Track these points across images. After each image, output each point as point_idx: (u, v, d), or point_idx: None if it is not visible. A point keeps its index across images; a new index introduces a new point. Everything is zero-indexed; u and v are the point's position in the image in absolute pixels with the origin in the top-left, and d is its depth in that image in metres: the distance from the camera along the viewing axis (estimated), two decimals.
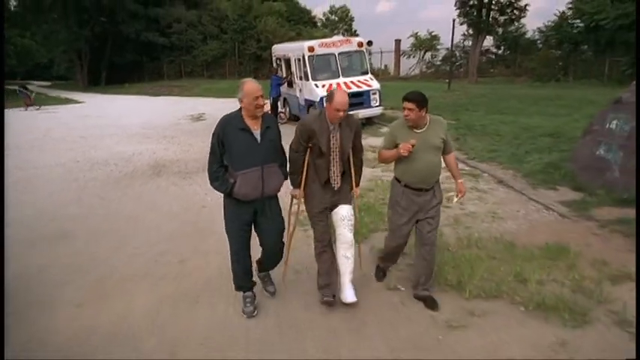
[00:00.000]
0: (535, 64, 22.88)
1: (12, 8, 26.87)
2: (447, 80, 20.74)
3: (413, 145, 3.54)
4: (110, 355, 3.19)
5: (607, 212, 5.68)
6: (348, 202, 3.83)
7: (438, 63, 31.57)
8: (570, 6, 20.72)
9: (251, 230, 3.69)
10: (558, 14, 22.22)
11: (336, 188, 3.74)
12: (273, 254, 3.86)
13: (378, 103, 12.38)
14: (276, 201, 3.72)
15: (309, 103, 12.13)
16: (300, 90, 12.70)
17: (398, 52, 32.91)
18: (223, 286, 4.06)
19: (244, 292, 3.80)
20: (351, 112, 3.70)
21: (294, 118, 13.41)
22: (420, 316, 3.67)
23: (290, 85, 13.48)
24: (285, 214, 3.81)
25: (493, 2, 23.54)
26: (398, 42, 33.07)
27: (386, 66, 34.32)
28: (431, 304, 3.80)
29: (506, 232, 5.20)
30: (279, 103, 14.11)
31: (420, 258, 3.85)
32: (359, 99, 11.97)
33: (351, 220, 3.80)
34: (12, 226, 5.73)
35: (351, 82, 12.10)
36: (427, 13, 77.44)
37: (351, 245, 3.78)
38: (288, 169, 3.76)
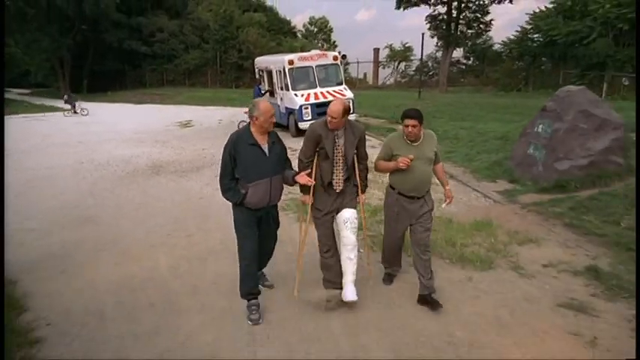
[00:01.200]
0: (499, 74, 24.67)
1: None
2: (420, 89, 22.31)
3: (411, 159, 3.87)
4: (149, 291, 4.42)
5: (529, 198, 7.10)
6: (352, 205, 4.04)
7: (412, 73, 33.27)
8: (530, 22, 22.54)
9: (256, 233, 3.98)
10: (520, 29, 24.05)
11: (338, 191, 3.98)
12: (267, 254, 4.32)
13: (351, 111, 13.74)
14: (276, 208, 4.17)
15: (290, 111, 13.43)
16: (282, 99, 14.00)
17: (377, 61, 34.43)
18: (224, 251, 5.24)
19: (249, 300, 3.96)
20: (350, 119, 4.01)
21: (275, 125, 14.68)
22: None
23: (272, 94, 14.79)
24: (283, 220, 4.44)
25: (461, 17, 25.26)
26: (376, 50, 34.53)
27: (365, 74, 35.85)
28: (435, 306, 4.03)
29: (448, 213, 6.53)
30: None
31: (417, 258, 4.14)
32: None
33: (354, 223, 4.00)
34: (45, 213, 7.01)
35: (327, 92, 13.46)
36: (406, 22, 79.66)
37: (354, 247, 3.98)
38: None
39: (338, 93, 13.59)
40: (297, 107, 12.84)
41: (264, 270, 4.50)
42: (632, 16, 14.73)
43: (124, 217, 6.77)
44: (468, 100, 20.47)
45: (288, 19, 43.68)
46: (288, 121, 13.57)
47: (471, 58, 31.81)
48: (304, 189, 4.00)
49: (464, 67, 32.26)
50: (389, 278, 4.59)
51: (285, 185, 4.06)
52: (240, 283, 3.95)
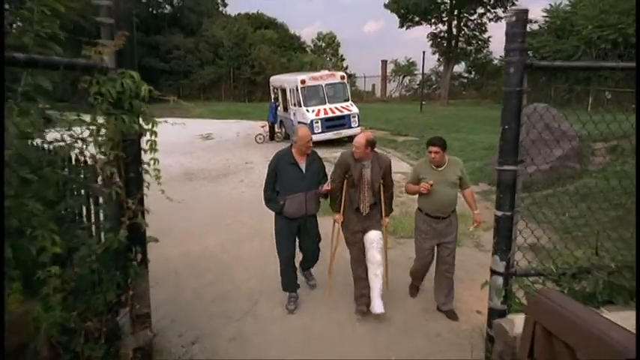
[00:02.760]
0: (496, 88, 26.23)
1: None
2: (421, 103, 23.93)
3: (431, 185, 4.27)
4: (205, 260, 6.04)
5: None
6: (377, 228, 4.47)
7: (416, 87, 34.92)
8: None
9: (296, 242, 4.71)
10: None
11: (364, 214, 4.43)
12: (311, 257, 4.96)
13: (357, 124, 15.39)
14: (315, 218, 4.76)
15: (302, 125, 15.10)
16: (294, 114, 15.68)
17: (385, 72, 35.76)
18: (256, 235, 6.77)
19: (290, 292, 4.73)
20: (377, 151, 4.50)
21: (289, 138, 16.37)
22: None
23: (285, 109, 16.48)
24: (324, 232, 4.94)
25: (460, 35, 26.92)
26: (384, 62, 35.99)
27: (374, 85, 37.32)
28: (452, 316, 4.49)
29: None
30: (275, 126, 17.13)
31: (441, 276, 4.55)
32: (342, 121, 15.03)
33: (380, 243, 4.41)
34: None
35: (335, 107, 15.14)
36: (413, 33, 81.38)
37: (379, 265, 4.40)
38: (332, 195, 4.57)
39: (345, 109, 15.26)
40: (309, 122, 14.50)
41: (312, 270, 5.21)
42: (613, 37, 16.27)
43: (172, 212, 8.39)
44: (465, 113, 22.04)
45: (297, 34, 45.70)
46: None
47: (472, 72, 33.46)
48: (335, 208, 4.55)
49: (465, 80, 33.90)
50: (415, 291, 4.98)
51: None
52: (281, 279, 4.71)
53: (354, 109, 15.42)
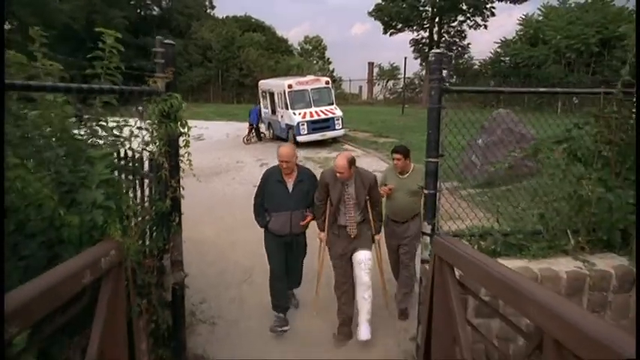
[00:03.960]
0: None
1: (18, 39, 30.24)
2: (403, 106, 25.06)
3: (390, 189, 4.53)
4: (204, 245, 6.99)
5: (465, 192, 9.73)
6: (366, 247, 4.30)
7: (399, 90, 36.08)
8: (499, 48, 25.49)
9: (285, 256, 4.62)
10: (493, 52, 26.96)
11: (352, 235, 4.26)
12: (295, 276, 4.86)
13: (340, 127, 16.41)
14: (302, 237, 4.68)
15: (289, 127, 16.06)
16: (282, 116, 16.65)
17: (371, 75, 36.73)
18: (247, 226, 7.54)
19: (278, 312, 4.58)
20: (359, 168, 4.40)
21: (277, 139, 17.34)
22: None
23: (274, 112, 17.44)
24: (311, 250, 4.95)
25: (441, 41, 28.14)
26: (371, 65, 36.95)
27: (361, 87, 38.18)
28: (402, 315, 4.67)
29: None
30: (263, 127, 18.17)
31: (401, 274, 4.76)
32: (327, 123, 16.04)
33: (368, 264, 4.22)
34: None
35: (320, 110, 16.15)
36: (400, 37, 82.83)
37: (368, 287, 4.21)
38: (316, 213, 4.50)
39: (329, 112, 16.27)
40: (295, 124, 15.49)
41: (295, 290, 5.09)
42: (578, 46, 17.54)
43: None
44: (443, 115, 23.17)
45: (285, 37, 46.68)
46: (287, 134, 16.21)
47: (454, 77, 34.70)
48: (319, 226, 4.47)
49: (447, 84, 35.04)
50: (404, 314, 4.74)
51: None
52: (271, 297, 4.63)
53: (338, 112, 16.44)
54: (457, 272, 2.97)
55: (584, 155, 3.79)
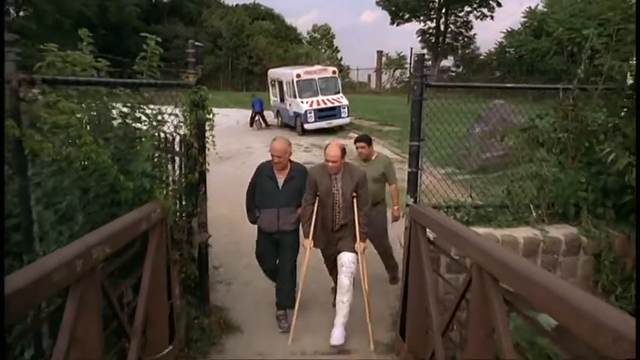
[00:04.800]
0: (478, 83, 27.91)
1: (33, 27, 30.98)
2: (409, 95, 25.59)
3: None
4: (219, 220, 7.74)
5: (461, 177, 10.41)
6: (350, 249, 4.18)
7: (407, 79, 36.51)
8: (503, 39, 25.88)
9: (276, 253, 4.56)
10: (498, 43, 27.33)
11: (335, 231, 4.25)
12: (284, 278, 4.53)
13: (346, 115, 17.09)
14: (292, 235, 4.44)
15: (297, 115, 16.76)
16: (290, 105, 17.34)
17: (380, 63, 37.03)
18: None
19: (278, 309, 4.55)
20: (349, 163, 4.38)
21: (285, 126, 18.06)
22: None
23: (282, 100, 18.12)
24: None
25: (447, 32, 28.56)
26: (380, 53, 37.25)
27: (369, 76, 38.42)
28: (393, 280, 5.22)
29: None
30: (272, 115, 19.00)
31: (386, 265, 5.26)
32: (333, 112, 16.72)
33: (350, 267, 4.11)
34: None
35: (327, 99, 16.81)
36: (410, 23, 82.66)
37: (347, 291, 4.10)
38: (303, 217, 4.34)
39: (336, 100, 16.93)
40: (303, 112, 16.18)
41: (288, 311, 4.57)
42: (579, 40, 17.97)
43: None
44: (448, 107, 23.74)
45: (294, 26, 47.12)
46: (295, 122, 16.92)
47: (461, 67, 35.08)
48: (305, 231, 4.29)
49: (454, 74, 35.52)
50: (394, 278, 5.22)
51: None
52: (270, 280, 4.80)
53: (344, 101, 17.10)
54: (431, 235, 3.68)
55: (545, 141, 4.46)
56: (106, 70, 3.90)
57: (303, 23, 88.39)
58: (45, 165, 3.13)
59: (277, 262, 4.61)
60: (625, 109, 4.22)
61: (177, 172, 3.99)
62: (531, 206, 4.46)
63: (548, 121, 4.49)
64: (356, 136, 5.05)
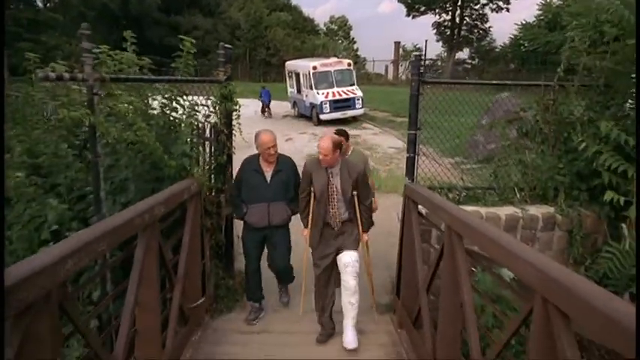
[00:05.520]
0: (492, 75, 28.18)
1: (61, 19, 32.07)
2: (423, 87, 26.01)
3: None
4: None
5: (468, 166, 10.98)
6: (353, 247, 3.93)
7: (422, 71, 36.75)
8: (518, 31, 26.05)
9: (262, 251, 4.44)
10: (512, 36, 27.50)
11: (336, 230, 3.93)
12: (282, 274, 4.61)
13: (360, 106, 17.70)
14: (283, 230, 4.33)
15: (313, 105, 17.42)
16: (306, 96, 18.00)
17: (397, 54, 37.31)
18: None
19: (253, 302, 4.48)
20: (347, 159, 4.12)
21: (301, 116, 18.75)
22: None
23: (299, 91, 18.79)
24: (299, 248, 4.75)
25: (463, 24, 28.82)
26: (397, 44, 37.43)
27: (387, 67, 38.65)
28: None
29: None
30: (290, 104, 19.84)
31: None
32: (347, 103, 17.34)
33: (355, 266, 3.88)
34: None
35: (342, 91, 17.43)
36: (426, 15, 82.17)
37: (354, 292, 3.89)
38: (299, 208, 4.18)
39: (351, 92, 17.55)
40: (319, 103, 16.83)
41: (289, 285, 4.82)
42: (591, 33, 18.20)
43: None
44: (463, 98, 24.11)
45: (311, 17, 47.63)
46: (311, 112, 17.58)
47: (476, 59, 35.27)
48: (304, 222, 4.15)
49: (469, 66, 35.73)
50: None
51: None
52: (245, 288, 4.62)
53: (359, 93, 17.70)
54: (423, 210, 4.32)
55: (528, 131, 5.06)
56: (148, 68, 4.56)
57: (320, 13, 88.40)
58: (102, 146, 3.84)
59: (272, 259, 4.49)
60: (599, 104, 4.80)
61: (208, 155, 4.66)
62: (515, 189, 5.07)
63: (532, 113, 5.08)
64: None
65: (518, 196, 5.05)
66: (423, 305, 3.71)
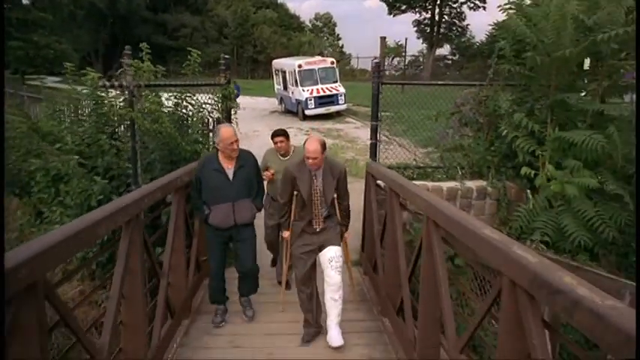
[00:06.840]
0: (470, 71, 29.62)
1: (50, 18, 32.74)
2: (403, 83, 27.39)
3: (273, 174, 4.63)
4: None
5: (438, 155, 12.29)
6: (336, 243, 3.91)
7: (405, 67, 38.21)
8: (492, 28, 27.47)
9: (226, 253, 4.26)
10: (487, 34, 28.96)
11: (318, 229, 3.89)
12: (248, 277, 4.26)
13: (343, 102, 18.96)
14: (249, 229, 4.13)
15: (298, 102, 18.64)
16: (292, 92, 19.22)
17: (383, 49, 38.50)
18: None
19: (218, 304, 4.28)
20: (329, 159, 3.93)
21: (288, 112, 19.97)
22: None
23: (285, 89, 20.02)
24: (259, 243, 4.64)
25: (442, 22, 30.19)
26: (383, 39, 38.65)
27: (372, 62, 39.62)
28: None
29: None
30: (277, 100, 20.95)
31: None
32: (331, 99, 18.60)
33: (339, 261, 3.85)
34: None
35: (326, 88, 18.67)
36: (406, 14, 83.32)
37: (339, 288, 3.85)
38: (279, 213, 4.13)
39: (334, 89, 18.80)
40: (304, 99, 18.06)
41: (252, 297, 4.43)
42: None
43: None
44: (439, 93, 25.47)
45: (297, 14, 48.75)
46: (297, 108, 18.80)
47: (456, 55, 36.72)
48: (284, 225, 4.09)
49: (450, 62, 37.20)
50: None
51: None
52: (208, 292, 4.34)
53: (342, 89, 18.96)
54: (381, 183, 5.57)
55: (467, 122, 6.36)
56: (162, 74, 5.77)
57: (306, 9, 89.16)
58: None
59: (239, 259, 4.25)
60: (518, 100, 6.12)
61: (212, 144, 5.89)
62: (458, 168, 6.38)
63: (469, 107, 6.38)
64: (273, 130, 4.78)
65: (460, 173, 6.34)
66: (378, 254, 4.97)
